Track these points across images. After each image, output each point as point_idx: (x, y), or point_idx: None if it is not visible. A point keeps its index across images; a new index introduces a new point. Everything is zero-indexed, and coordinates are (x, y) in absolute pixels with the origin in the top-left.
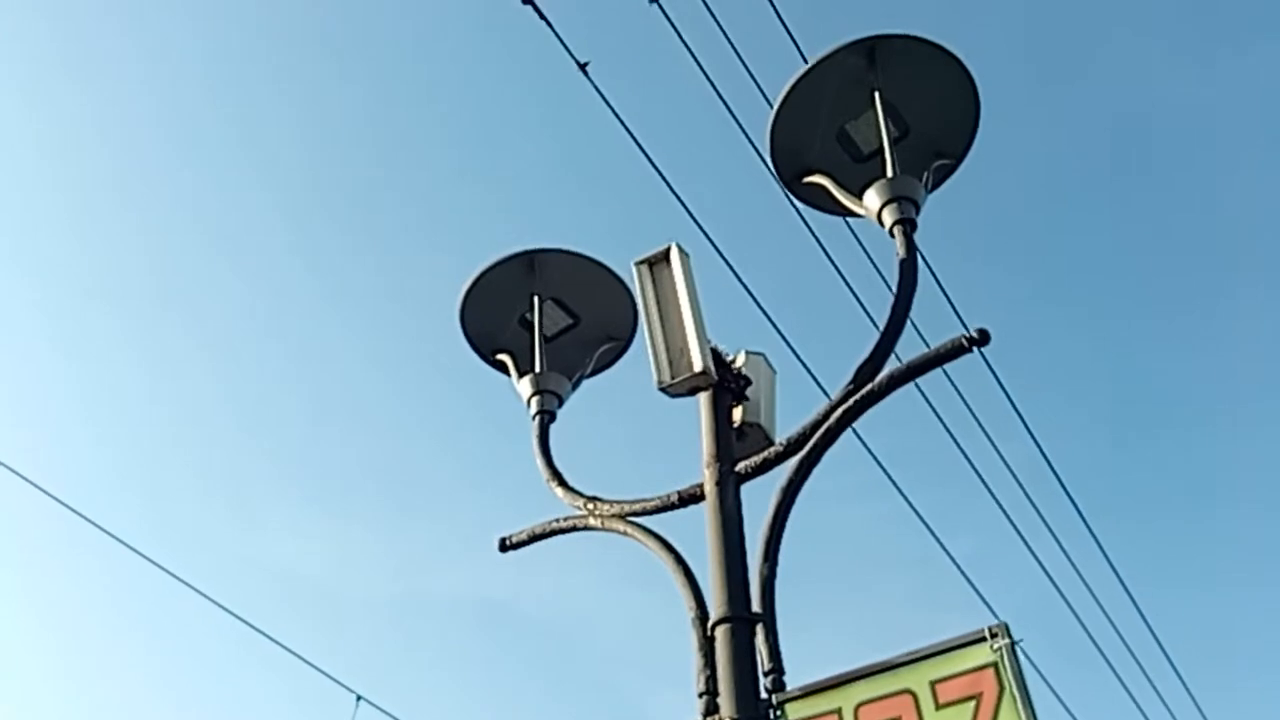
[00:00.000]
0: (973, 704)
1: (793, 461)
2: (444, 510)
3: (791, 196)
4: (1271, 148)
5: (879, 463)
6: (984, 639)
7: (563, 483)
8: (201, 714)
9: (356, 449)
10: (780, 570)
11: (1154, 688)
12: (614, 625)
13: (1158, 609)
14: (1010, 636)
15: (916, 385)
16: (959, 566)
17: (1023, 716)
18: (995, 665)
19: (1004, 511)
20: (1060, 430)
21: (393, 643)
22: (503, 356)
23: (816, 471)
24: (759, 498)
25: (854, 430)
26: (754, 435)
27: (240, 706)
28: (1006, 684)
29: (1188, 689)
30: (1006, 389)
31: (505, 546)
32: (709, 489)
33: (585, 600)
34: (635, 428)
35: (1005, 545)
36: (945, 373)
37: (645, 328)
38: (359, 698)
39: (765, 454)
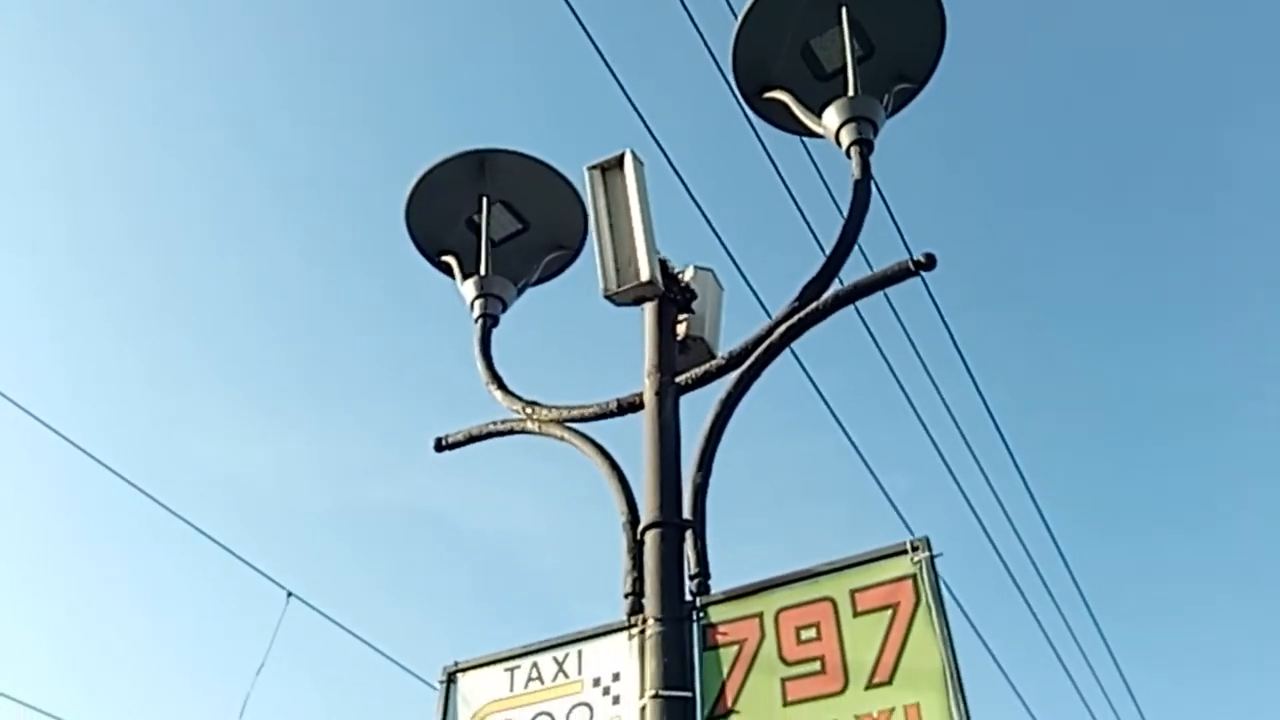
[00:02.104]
0: (889, 613)
1: (733, 375)
2: (382, 419)
3: (751, 111)
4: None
5: (820, 394)
6: (904, 552)
7: (502, 386)
8: (132, 605)
9: (296, 351)
10: (715, 491)
11: (1067, 625)
12: (548, 538)
13: (1080, 552)
14: (930, 550)
15: (862, 320)
16: (891, 501)
17: (936, 628)
18: (914, 577)
19: (937, 449)
20: (1001, 375)
21: (326, 546)
22: (448, 258)
23: (759, 404)
24: (698, 411)
25: (798, 360)
26: (697, 349)
27: (172, 600)
28: (923, 595)
29: (1099, 627)
30: (948, 324)
31: (441, 446)
32: (648, 398)
33: (520, 513)
34: (578, 338)
35: (939, 484)
36: (889, 301)
37: (594, 234)
38: (290, 594)
39: (707, 367)
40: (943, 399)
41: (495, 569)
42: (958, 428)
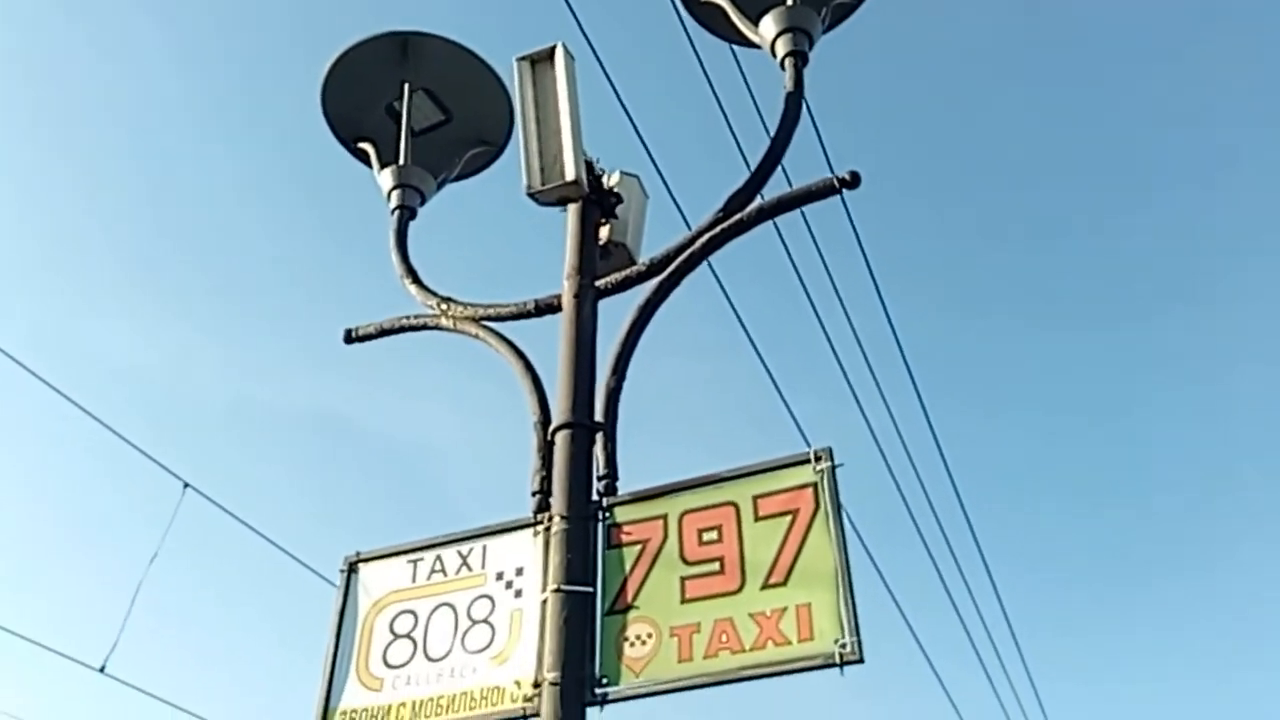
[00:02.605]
0: (789, 519)
1: (653, 283)
2: (291, 317)
3: (688, 15)
4: None
5: (736, 313)
6: (807, 460)
7: (417, 281)
8: (25, 492)
9: (201, 242)
10: (628, 398)
11: (951, 550)
12: (457, 445)
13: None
14: (832, 460)
15: (783, 243)
16: (796, 422)
17: (832, 534)
18: (815, 485)
19: (845, 377)
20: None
21: (227, 442)
22: (365, 145)
23: (677, 321)
24: (616, 316)
25: (716, 278)
26: (618, 255)
27: (67, 489)
28: (822, 503)
29: (985, 562)
30: (867, 254)
31: (351, 338)
32: (566, 300)
33: (430, 420)
34: (498, 239)
35: (846, 411)
36: (810, 230)
37: (520, 128)
38: (186, 486)
39: (627, 272)
40: (854, 331)
41: (402, 473)
42: (866, 359)
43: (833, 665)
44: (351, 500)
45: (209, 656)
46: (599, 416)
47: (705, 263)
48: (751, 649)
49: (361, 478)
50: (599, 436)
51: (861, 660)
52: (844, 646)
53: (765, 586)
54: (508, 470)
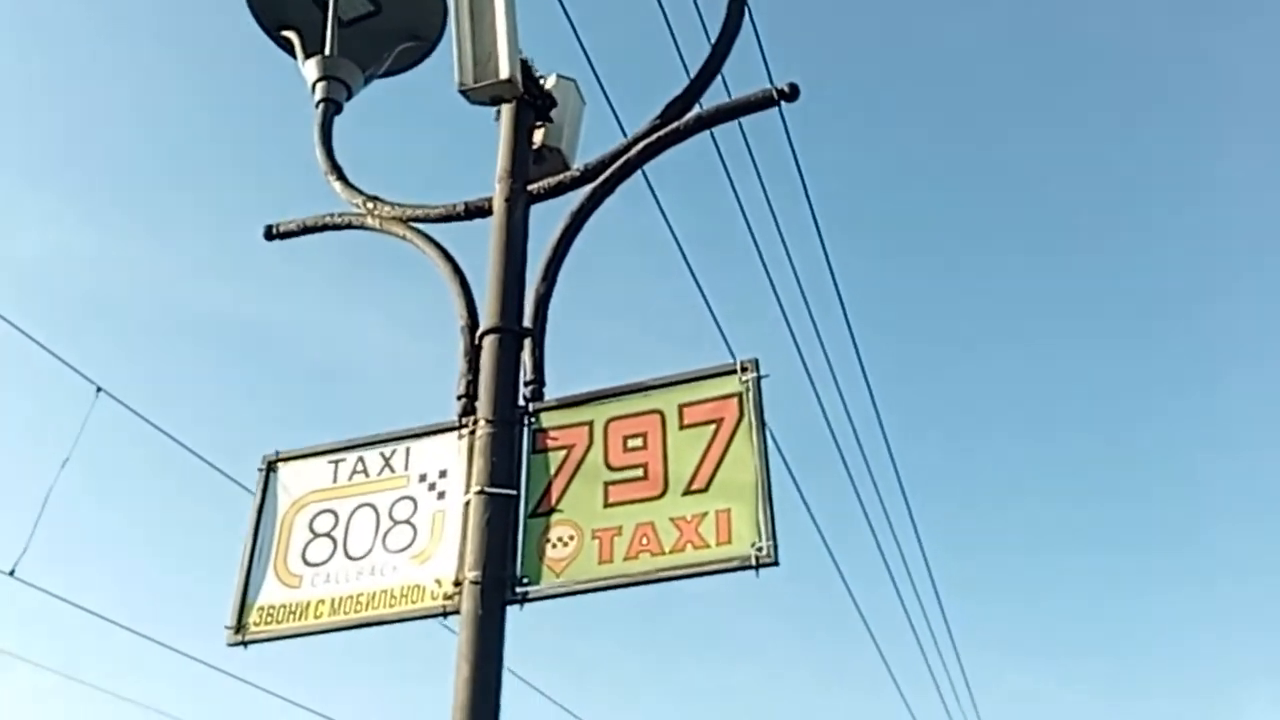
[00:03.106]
0: (713, 428)
1: (587, 189)
2: (210, 223)
3: None
4: None
5: (671, 229)
6: (734, 371)
7: (342, 178)
8: None
9: (117, 136)
10: (554, 310)
11: (871, 477)
12: (382, 355)
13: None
14: (758, 371)
15: (722, 162)
16: (723, 334)
17: (755, 444)
18: (740, 396)
19: (775, 293)
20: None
21: (143, 346)
22: (289, 34)
23: (611, 241)
24: (548, 223)
25: (653, 192)
26: (553, 160)
27: None
28: (747, 413)
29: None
30: (802, 170)
31: (271, 235)
32: (498, 204)
33: (355, 330)
34: (428, 140)
35: (774, 332)
36: (747, 142)
37: (454, 20)
38: (99, 390)
39: (561, 177)
40: (787, 253)
41: (324, 382)
42: (797, 280)
43: (749, 568)
44: (271, 408)
45: (122, 561)
46: (528, 322)
47: (640, 172)
48: (671, 552)
49: (282, 385)
50: (527, 342)
51: (776, 563)
52: (760, 550)
53: (687, 493)
54: (433, 381)
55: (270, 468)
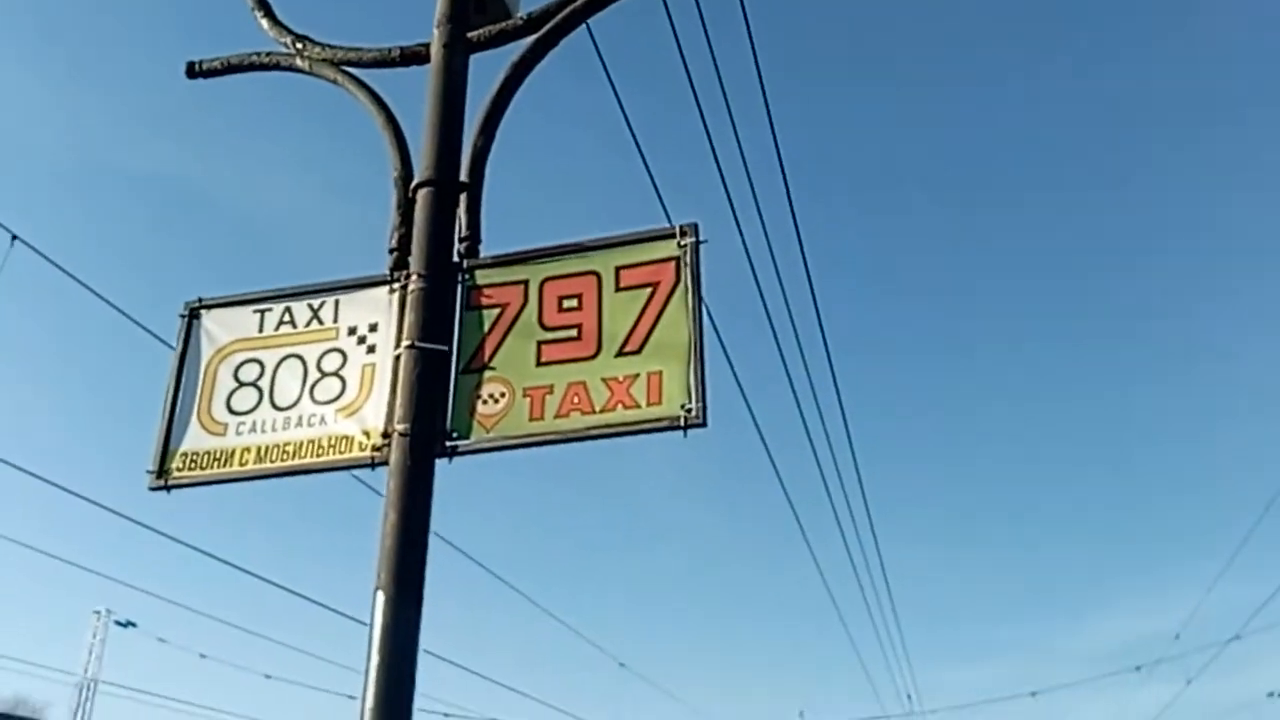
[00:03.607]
0: (649, 291)
1: (530, 39)
2: (137, 77)
3: None
4: None
5: (613, 85)
6: (672, 235)
7: (269, 14)
8: None
9: None
10: (492, 165)
11: (800, 350)
12: (311, 214)
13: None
14: (697, 236)
15: (668, 13)
16: (662, 201)
17: (690, 308)
18: (677, 260)
19: (716, 161)
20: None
21: (63, 199)
22: None
23: (548, 93)
24: (489, 74)
25: (596, 47)
26: (494, 8)
27: None
28: (683, 277)
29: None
30: (753, 37)
31: (194, 72)
32: (435, 50)
33: (282, 188)
34: None
35: (719, 208)
36: (706, 34)
37: None
38: (14, 238)
39: (503, 26)
40: (733, 123)
41: (250, 240)
42: (740, 150)
43: (677, 428)
44: (193, 264)
45: (35, 408)
46: (464, 176)
47: (585, 26)
48: (602, 411)
49: (206, 241)
50: (463, 197)
51: (705, 424)
52: (689, 411)
53: (620, 354)
54: (362, 240)
55: (193, 314)
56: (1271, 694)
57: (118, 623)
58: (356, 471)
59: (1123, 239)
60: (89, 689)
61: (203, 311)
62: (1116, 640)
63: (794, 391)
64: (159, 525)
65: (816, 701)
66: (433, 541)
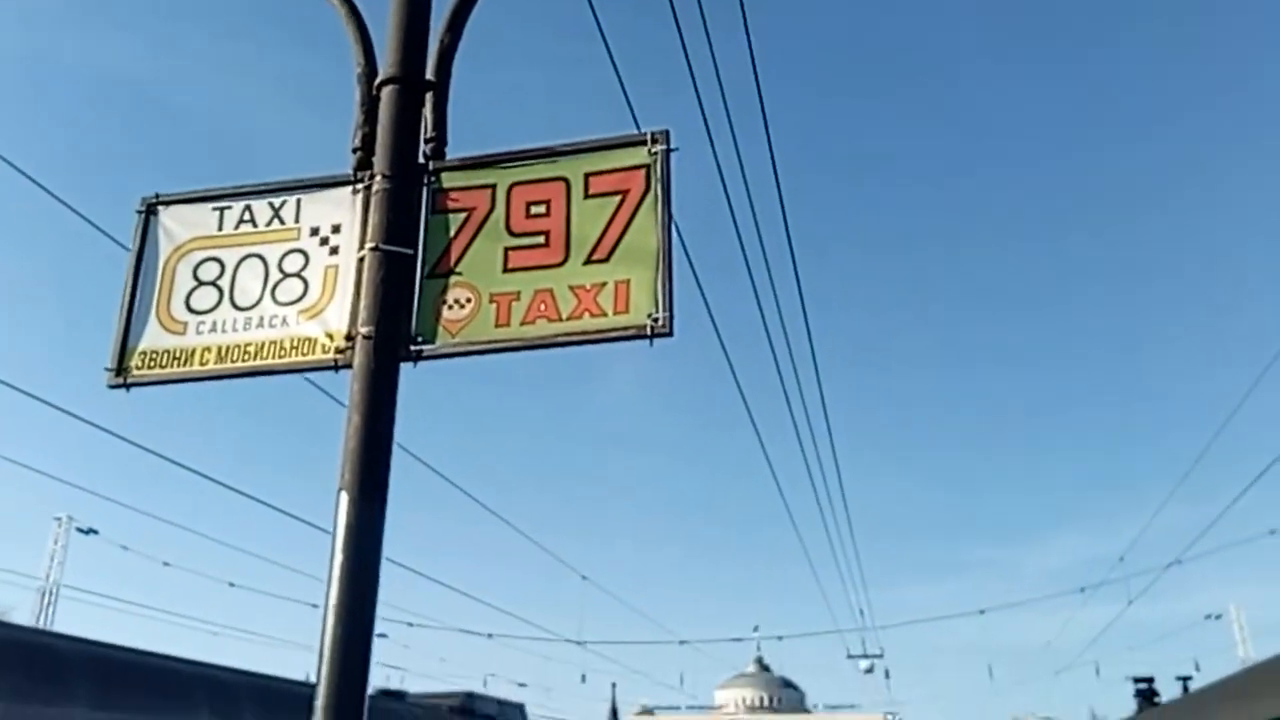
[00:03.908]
0: (618, 198)
1: None
2: None
3: None
4: None
5: (595, 18)
6: (643, 142)
7: None
8: None
9: None
10: (459, 64)
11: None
12: (270, 113)
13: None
14: (668, 144)
15: None
16: (631, 109)
17: (659, 216)
18: (648, 168)
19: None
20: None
21: (22, 99)
22: None
23: (523, 27)
24: None
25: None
26: None
27: None
28: (653, 185)
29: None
30: None
31: None
32: None
33: (241, 92)
34: None
35: (697, 142)
36: None
37: None
38: None
39: None
40: (710, 49)
41: (207, 146)
42: (714, 60)
43: (644, 337)
44: (151, 168)
45: None
46: (430, 75)
47: None
48: (568, 318)
49: (167, 145)
50: (429, 96)
51: (671, 333)
52: (656, 320)
53: (588, 262)
54: (330, 152)
55: (150, 210)
56: (1209, 616)
57: (79, 529)
58: (317, 379)
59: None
60: (51, 594)
61: (160, 208)
62: (1065, 563)
63: (759, 304)
64: (122, 431)
65: (773, 616)
66: (398, 453)
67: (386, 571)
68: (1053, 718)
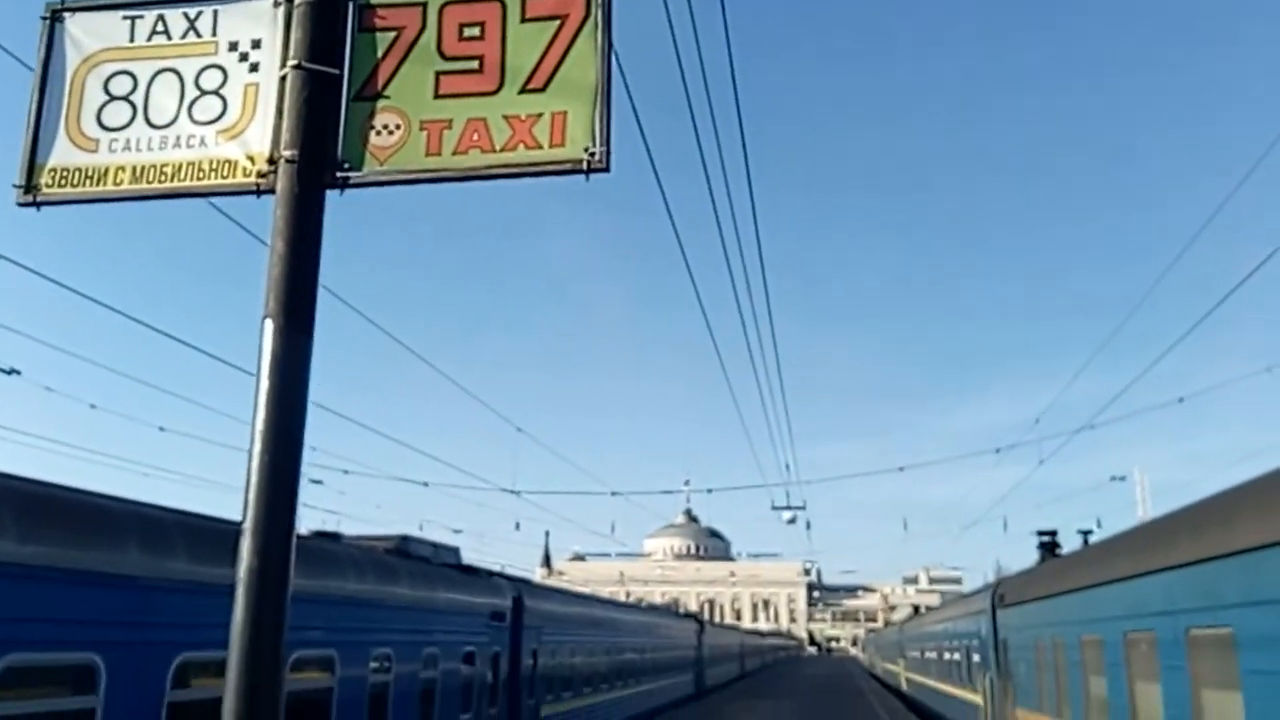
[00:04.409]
0: (557, 24)
1: None
2: None
3: None
4: None
5: None
6: None
7: None
8: None
9: None
10: None
11: (714, 122)
12: None
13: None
14: None
15: None
16: None
17: (599, 45)
18: None
19: None
20: None
21: None
22: None
23: None
24: None
25: None
26: None
27: None
28: (594, 11)
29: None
30: None
31: None
32: None
33: None
34: None
35: None
36: None
37: None
38: None
39: None
40: None
41: None
42: None
43: (580, 171)
44: None
45: None
46: None
47: None
48: (502, 149)
49: None
50: None
51: (608, 169)
52: (593, 155)
53: (524, 91)
54: None
55: (55, 17)
56: (1114, 478)
57: (0, 369)
58: (233, 204)
59: None
60: None
61: (66, 15)
62: (983, 425)
63: (699, 145)
64: (40, 268)
65: (704, 471)
66: (331, 300)
67: (324, 419)
68: (960, 567)
